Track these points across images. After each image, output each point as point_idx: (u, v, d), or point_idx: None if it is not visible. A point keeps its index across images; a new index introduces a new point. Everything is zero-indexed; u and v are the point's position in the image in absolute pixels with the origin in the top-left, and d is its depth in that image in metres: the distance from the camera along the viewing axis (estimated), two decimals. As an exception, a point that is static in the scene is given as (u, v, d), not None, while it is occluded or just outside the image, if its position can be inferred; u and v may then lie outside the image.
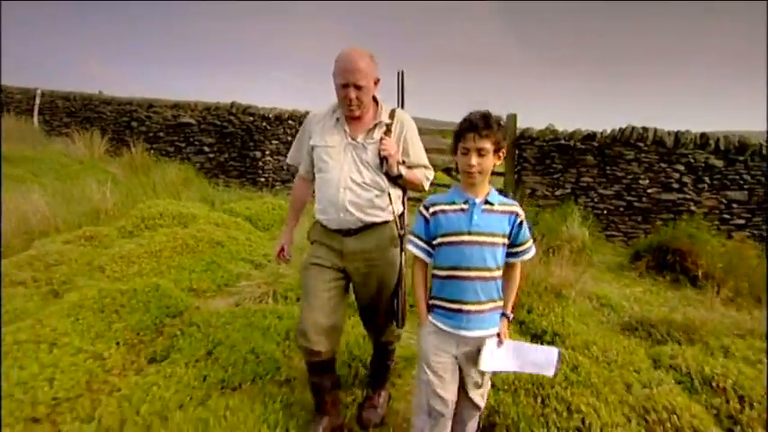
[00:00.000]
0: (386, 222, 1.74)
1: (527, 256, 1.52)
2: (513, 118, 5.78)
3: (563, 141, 5.40)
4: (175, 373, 2.04)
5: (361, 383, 2.14)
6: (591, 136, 5.30)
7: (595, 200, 5.29)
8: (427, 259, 1.54)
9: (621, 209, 5.21)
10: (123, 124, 8.38)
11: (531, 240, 1.52)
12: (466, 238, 1.44)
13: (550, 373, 1.47)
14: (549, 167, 5.51)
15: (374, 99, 1.75)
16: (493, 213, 1.45)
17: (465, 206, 1.46)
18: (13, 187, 5.14)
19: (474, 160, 1.40)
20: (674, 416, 1.89)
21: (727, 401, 2.04)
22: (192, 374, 2.03)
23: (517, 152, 5.72)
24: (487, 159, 1.41)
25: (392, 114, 1.74)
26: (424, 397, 1.51)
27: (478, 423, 1.71)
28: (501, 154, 1.45)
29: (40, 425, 1.77)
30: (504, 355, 1.47)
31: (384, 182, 1.71)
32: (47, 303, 2.72)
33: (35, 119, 9.38)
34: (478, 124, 1.38)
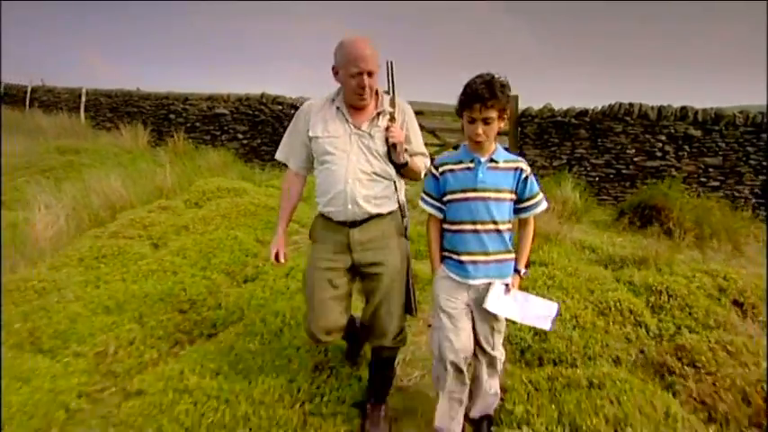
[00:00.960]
0: (390, 213, 1.74)
1: (538, 210, 1.58)
2: (514, 99, 6.49)
3: (559, 118, 6.11)
4: (267, 284, 2.92)
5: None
6: (583, 112, 6.00)
7: (588, 169, 6.01)
8: (439, 215, 1.64)
9: (611, 176, 5.92)
10: (162, 117, 9.27)
11: (541, 194, 1.59)
12: (472, 194, 1.53)
13: (547, 326, 1.58)
14: (547, 142, 6.23)
15: None
16: (498, 170, 1.54)
17: (471, 164, 1.55)
18: (89, 172, 6.10)
19: (480, 129, 1.48)
20: (618, 304, 2.70)
21: (660, 298, 2.83)
22: (279, 285, 2.90)
23: (519, 129, 6.44)
24: (493, 126, 1.49)
25: (392, 102, 1.72)
26: (437, 343, 1.62)
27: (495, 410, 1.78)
28: (505, 116, 1.52)
29: (186, 314, 2.66)
30: (511, 303, 1.56)
31: (392, 170, 1.71)
32: (156, 250, 3.62)
33: (82, 115, 10.34)
34: (484, 95, 1.43)
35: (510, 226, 1.58)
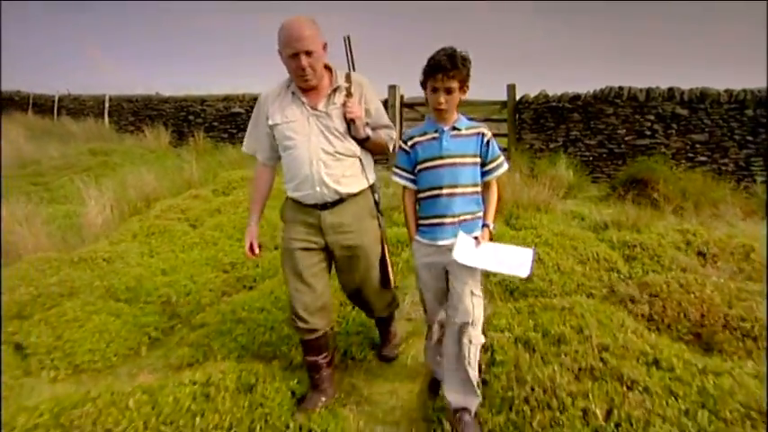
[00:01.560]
0: (361, 192, 1.76)
1: (500, 171, 1.67)
2: (512, 87, 6.92)
3: (554, 104, 6.52)
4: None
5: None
6: (576, 97, 6.40)
7: (582, 149, 6.41)
8: (413, 186, 1.71)
9: (604, 155, 6.32)
10: (181, 118, 9.86)
11: (502, 157, 1.68)
12: (438, 161, 1.62)
13: (524, 273, 1.54)
14: (544, 126, 6.65)
15: (326, 66, 1.72)
16: (461, 137, 1.63)
17: (436, 134, 1.64)
18: (121, 170, 6.69)
19: (442, 98, 1.56)
20: (596, 255, 3.15)
21: (633, 250, 3.27)
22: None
23: (517, 115, 6.87)
24: (454, 96, 1.58)
25: (348, 77, 1.71)
26: (423, 303, 1.82)
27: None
28: (466, 88, 1.60)
29: (230, 273, 3.18)
30: (482, 254, 1.57)
31: (355, 147, 1.72)
32: (194, 228, 4.16)
33: (106, 120, 11.00)
34: (446, 66, 1.52)
35: (477, 189, 1.66)
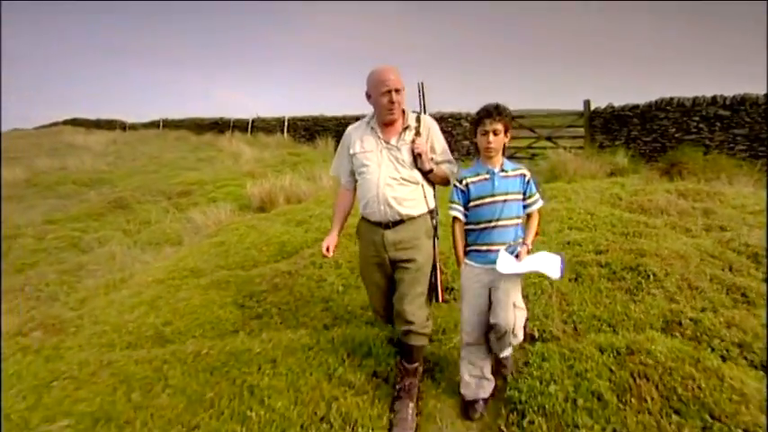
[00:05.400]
0: (420, 215, 2.04)
1: (538, 205, 2.02)
2: (587, 102, 9.37)
3: (618, 112, 8.83)
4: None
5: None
6: (635, 106, 8.63)
7: (640, 145, 8.58)
8: (463, 219, 2.04)
9: (657, 148, 8.41)
10: (341, 132, 13.83)
11: (538, 194, 2.03)
12: (489, 199, 1.95)
13: (555, 275, 1.88)
14: (610, 129, 8.96)
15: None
16: (508, 177, 1.97)
17: (487, 176, 1.97)
18: (314, 164, 10.58)
19: (491, 138, 1.91)
20: (612, 193, 5.74)
21: (637, 194, 5.77)
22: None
23: (590, 122, 9.28)
24: (500, 138, 1.92)
25: (418, 119, 2.04)
26: (462, 321, 2.06)
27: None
28: (509, 134, 1.96)
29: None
30: (520, 264, 1.91)
31: (419, 176, 2.02)
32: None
33: (285, 134, 15.60)
34: (492, 112, 1.90)
35: (521, 221, 2.00)
